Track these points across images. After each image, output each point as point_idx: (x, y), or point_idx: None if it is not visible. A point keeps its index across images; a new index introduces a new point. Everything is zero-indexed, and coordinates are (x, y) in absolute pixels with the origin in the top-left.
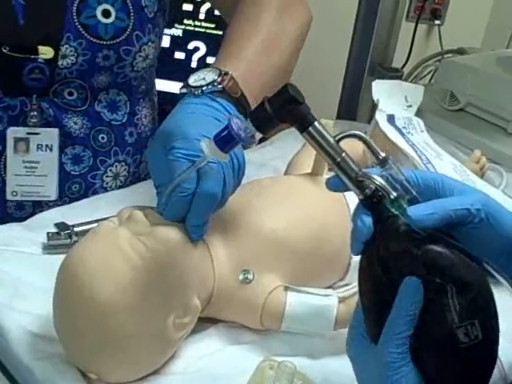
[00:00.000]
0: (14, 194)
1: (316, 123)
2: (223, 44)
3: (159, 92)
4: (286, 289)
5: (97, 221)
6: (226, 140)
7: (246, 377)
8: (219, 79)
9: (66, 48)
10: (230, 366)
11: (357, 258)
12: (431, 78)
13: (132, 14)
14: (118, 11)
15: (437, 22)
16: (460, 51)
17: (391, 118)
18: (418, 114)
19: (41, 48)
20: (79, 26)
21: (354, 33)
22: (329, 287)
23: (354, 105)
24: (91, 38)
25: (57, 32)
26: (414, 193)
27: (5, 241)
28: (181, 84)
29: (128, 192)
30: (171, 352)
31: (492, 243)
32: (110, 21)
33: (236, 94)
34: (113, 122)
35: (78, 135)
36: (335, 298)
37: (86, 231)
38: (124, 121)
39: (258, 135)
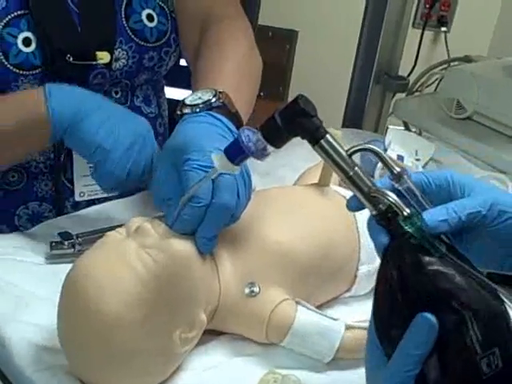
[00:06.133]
0: (82, 194)
1: (328, 136)
2: (201, 69)
3: None
4: (297, 303)
5: (100, 230)
6: (236, 152)
7: None
8: (216, 97)
9: (119, 52)
10: (234, 379)
11: (363, 270)
12: (437, 86)
13: (169, 18)
14: (159, 16)
15: (443, 29)
16: (466, 59)
17: (400, 158)
18: (424, 123)
19: (99, 53)
20: (129, 31)
21: (359, 40)
22: (335, 298)
23: (360, 113)
24: (139, 41)
25: (111, 37)
26: (429, 208)
27: (8, 250)
28: (185, 91)
29: (131, 201)
30: (175, 366)
31: (509, 241)
32: (153, 25)
33: (233, 108)
34: (149, 115)
35: None
36: (343, 323)
37: (90, 240)
38: (156, 113)
39: (271, 148)
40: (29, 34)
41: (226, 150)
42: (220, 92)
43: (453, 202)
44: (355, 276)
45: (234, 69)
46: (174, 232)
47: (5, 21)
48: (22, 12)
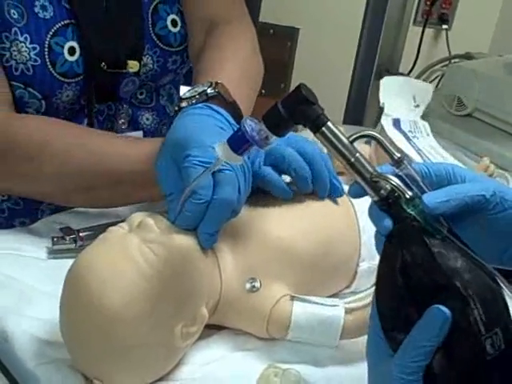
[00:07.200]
0: None
1: (329, 123)
2: (202, 69)
3: None
4: (292, 298)
5: (102, 225)
6: (239, 142)
7: None
8: (211, 88)
9: (147, 58)
10: (234, 373)
11: (363, 267)
12: (438, 83)
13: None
14: (181, 20)
15: (444, 26)
16: (467, 56)
17: (397, 122)
18: (425, 118)
19: (129, 62)
20: (154, 37)
21: (360, 37)
22: (335, 294)
23: (361, 109)
24: (164, 47)
25: (140, 45)
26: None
27: (10, 245)
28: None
29: None
30: (177, 360)
31: (508, 233)
32: (177, 30)
33: (230, 98)
34: (170, 113)
35: (149, 130)
36: (342, 309)
37: (91, 236)
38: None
39: (273, 137)
40: (74, 44)
41: (229, 140)
42: (216, 83)
43: (453, 186)
44: (355, 272)
45: (234, 68)
46: (175, 227)
47: (53, 30)
48: (68, 21)
